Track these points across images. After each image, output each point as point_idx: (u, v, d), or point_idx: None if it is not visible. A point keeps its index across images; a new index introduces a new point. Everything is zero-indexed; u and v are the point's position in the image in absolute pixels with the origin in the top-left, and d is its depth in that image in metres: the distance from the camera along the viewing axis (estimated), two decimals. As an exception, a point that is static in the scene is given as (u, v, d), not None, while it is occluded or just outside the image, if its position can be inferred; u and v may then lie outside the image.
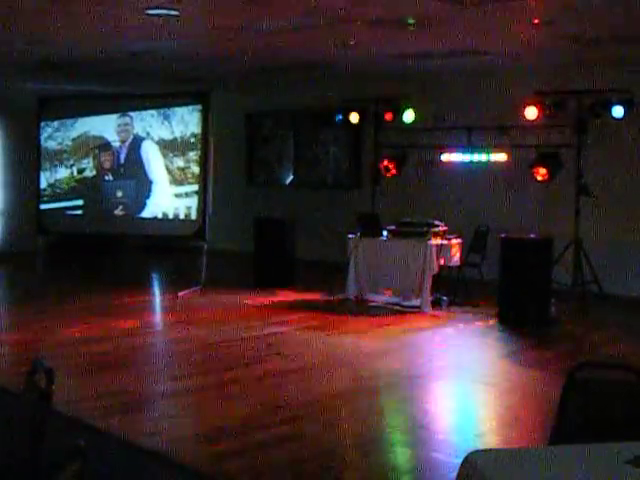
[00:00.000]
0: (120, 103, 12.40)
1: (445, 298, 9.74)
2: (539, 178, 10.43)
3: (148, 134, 11.79)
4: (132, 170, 11.95)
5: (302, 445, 4.86)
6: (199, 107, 11.34)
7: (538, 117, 10.20)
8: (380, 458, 4.76)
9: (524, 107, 10.27)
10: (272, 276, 10.88)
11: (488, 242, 10.00)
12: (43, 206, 12.69)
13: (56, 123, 12.59)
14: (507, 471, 2.25)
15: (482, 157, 11.35)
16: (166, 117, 11.64)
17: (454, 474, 2.40)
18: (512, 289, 8.96)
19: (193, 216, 11.33)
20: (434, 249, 9.46)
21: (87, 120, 12.38)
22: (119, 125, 12.07)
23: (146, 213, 11.84)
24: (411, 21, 7.89)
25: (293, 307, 9.63)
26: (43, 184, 12.64)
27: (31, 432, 2.46)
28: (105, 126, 12.17)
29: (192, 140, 11.39)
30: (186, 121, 11.47)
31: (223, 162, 13.75)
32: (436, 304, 9.59)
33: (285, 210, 12.45)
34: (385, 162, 11.83)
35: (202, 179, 11.24)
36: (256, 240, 11.09)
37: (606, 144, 10.53)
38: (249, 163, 14.90)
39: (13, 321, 8.91)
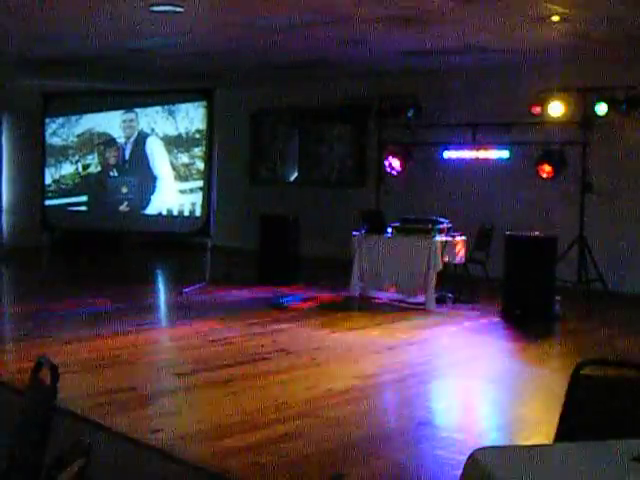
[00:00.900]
0: (125, 99, 12.37)
1: (450, 295, 9.75)
2: (544, 175, 10.43)
3: (153, 130, 11.77)
4: (137, 166, 11.94)
5: (306, 442, 4.86)
6: (204, 103, 11.33)
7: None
8: (384, 456, 4.75)
9: (532, 104, 10.27)
10: (277, 273, 10.90)
11: (493, 239, 10.00)
12: (48, 202, 12.68)
13: (61, 119, 12.57)
14: (513, 468, 2.24)
15: (487, 154, 11.35)
16: (171, 113, 11.62)
17: (459, 472, 2.39)
18: (517, 286, 8.97)
19: (198, 212, 11.32)
20: (439, 246, 9.46)
21: (92, 116, 12.36)
22: (124, 121, 12.04)
23: (151, 209, 11.83)
24: None
25: (298, 304, 9.63)
26: (48, 180, 12.63)
27: (35, 429, 2.46)
28: (110, 122, 12.15)
29: (197, 136, 11.38)
30: (191, 117, 11.45)
31: (227, 159, 13.75)
32: (441, 301, 9.59)
33: (289, 207, 12.45)
34: (389, 159, 11.83)
35: (207, 175, 11.24)
36: (261, 237, 11.10)
37: (611, 141, 10.51)
38: (253, 160, 14.90)
39: (18, 317, 8.92)
